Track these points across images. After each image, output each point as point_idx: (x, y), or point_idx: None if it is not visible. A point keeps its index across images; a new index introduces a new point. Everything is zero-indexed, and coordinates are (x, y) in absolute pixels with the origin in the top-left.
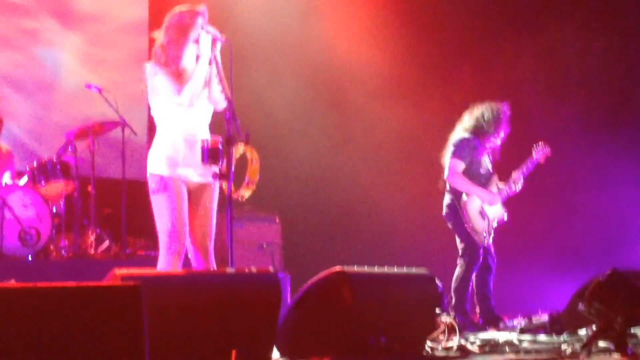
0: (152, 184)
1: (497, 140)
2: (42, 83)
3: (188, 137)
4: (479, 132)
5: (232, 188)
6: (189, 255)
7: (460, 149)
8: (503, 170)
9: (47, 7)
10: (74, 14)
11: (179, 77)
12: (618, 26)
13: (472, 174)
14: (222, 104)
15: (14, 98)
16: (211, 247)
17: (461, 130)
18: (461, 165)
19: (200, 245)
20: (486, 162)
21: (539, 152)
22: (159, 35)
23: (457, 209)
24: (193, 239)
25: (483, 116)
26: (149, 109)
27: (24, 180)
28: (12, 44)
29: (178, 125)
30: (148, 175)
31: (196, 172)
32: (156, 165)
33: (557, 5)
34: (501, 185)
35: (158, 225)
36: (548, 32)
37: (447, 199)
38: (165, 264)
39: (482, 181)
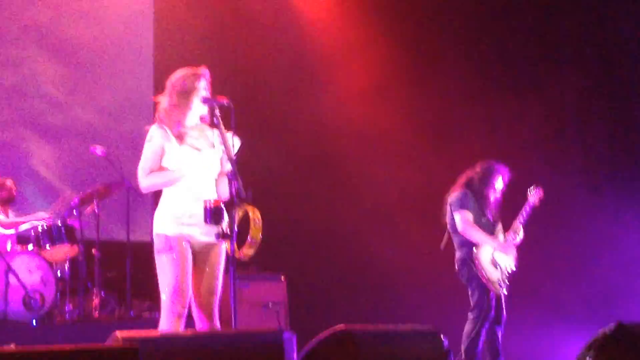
0: (157, 244)
1: (490, 196)
2: (47, 145)
3: (194, 197)
4: (471, 185)
5: (235, 248)
6: (193, 316)
7: (463, 202)
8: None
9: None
10: (78, 78)
11: (181, 137)
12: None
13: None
14: (227, 167)
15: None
16: (216, 307)
17: (456, 187)
18: (470, 215)
19: (205, 306)
20: (485, 215)
21: (534, 196)
22: (163, 99)
23: (469, 263)
24: (198, 300)
25: (475, 174)
26: None
27: (29, 247)
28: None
29: (184, 186)
30: (154, 235)
31: (202, 231)
32: (161, 224)
33: (557, 66)
34: (505, 235)
35: (161, 285)
36: (549, 91)
37: (458, 255)
38: (166, 325)
39: (486, 231)
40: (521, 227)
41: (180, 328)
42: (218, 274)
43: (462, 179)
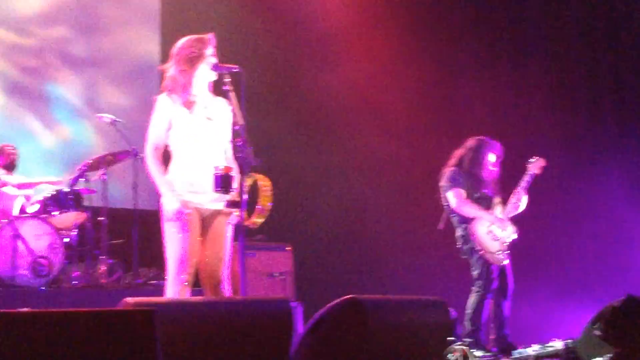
0: (165, 211)
1: (482, 173)
2: (55, 115)
3: (203, 165)
4: (461, 163)
5: (245, 216)
6: (200, 284)
7: (455, 180)
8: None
9: (56, 46)
10: (84, 52)
11: (190, 105)
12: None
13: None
14: (235, 132)
15: (27, 129)
16: (224, 273)
17: (447, 166)
18: (463, 192)
19: (212, 273)
20: (479, 190)
21: (534, 165)
22: (169, 67)
23: (467, 238)
24: (204, 267)
25: (464, 152)
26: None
27: (35, 207)
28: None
29: (192, 154)
30: (161, 202)
31: (210, 199)
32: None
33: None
34: (504, 207)
35: (168, 252)
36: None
37: (457, 231)
38: (173, 292)
39: (482, 206)
40: (524, 195)
41: (186, 295)
42: (225, 241)
43: (452, 159)
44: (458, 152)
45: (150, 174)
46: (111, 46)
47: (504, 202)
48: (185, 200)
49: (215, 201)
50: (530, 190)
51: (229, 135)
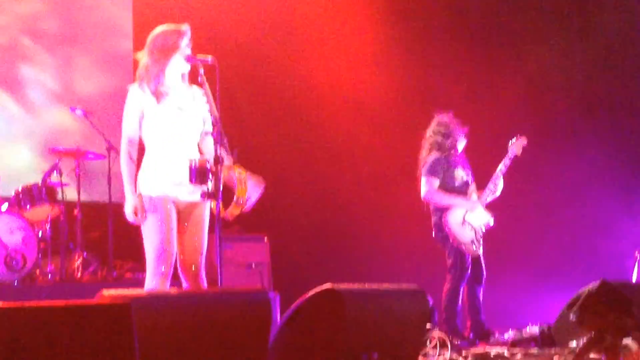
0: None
1: (458, 147)
2: (26, 106)
3: (177, 156)
4: (439, 146)
5: (221, 207)
6: (179, 276)
7: (430, 167)
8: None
9: (28, 28)
10: (57, 36)
11: (161, 96)
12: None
13: (447, 188)
14: (208, 125)
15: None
16: (202, 266)
17: (425, 150)
18: (435, 182)
19: (191, 265)
20: (460, 174)
21: (515, 145)
22: (143, 56)
23: (441, 226)
24: (183, 259)
25: (436, 132)
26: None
27: (4, 206)
28: None
29: (166, 145)
30: (137, 194)
31: (186, 191)
32: (145, 185)
33: (539, 28)
34: (480, 193)
35: (146, 246)
36: (532, 52)
37: (433, 219)
38: (152, 285)
39: (459, 193)
40: (501, 178)
41: (166, 288)
42: (203, 233)
43: (427, 142)
44: (429, 134)
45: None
46: (86, 27)
47: (481, 188)
48: (160, 192)
49: (191, 193)
50: (505, 176)
51: (201, 126)
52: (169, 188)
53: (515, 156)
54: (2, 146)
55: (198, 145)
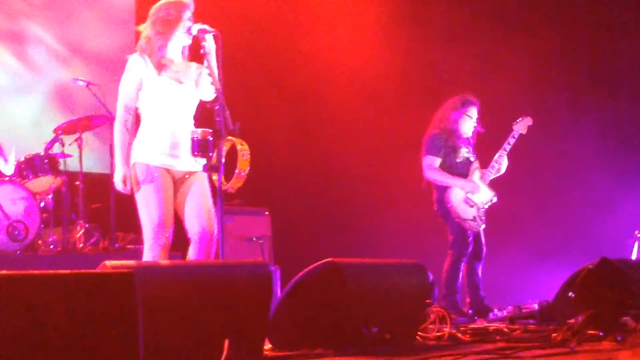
0: (138, 174)
1: (463, 127)
2: (28, 78)
3: (173, 127)
4: (442, 124)
5: (223, 180)
6: (191, 245)
7: (431, 145)
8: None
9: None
10: (59, 9)
11: (161, 68)
12: (602, 23)
13: (449, 165)
14: (211, 95)
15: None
16: (216, 231)
17: (428, 130)
18: (437, 160)
19: (204, 224)
20: (463, 152)
21: (520, 124)
22: (145, 28)
23: (443, 202)
24: (192, 222)
25: (445, 109)
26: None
27: (11, 163)
28: None
29: (163, 116)
30: (132, 164)
31: (181, 162)
32: (141, 154)
33: (545, 7)
34: (483, 171)
35: (142, 217)
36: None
37: (434, 194)
38: (151, 257)
39: (461, 170)
40: (505, 156)
41: (164, 259)
42: (207, 193)
43: (435, 118)
44: (440, 111)
45: (113, 137)
46: None
47: (484, 165)
48: (157, 162)
49: (187, 163)
50: (507, 154)
51: (198, 100)
52: (165, 158)
53: (520, 135)
54: (5, 104)
55: (194, 118)
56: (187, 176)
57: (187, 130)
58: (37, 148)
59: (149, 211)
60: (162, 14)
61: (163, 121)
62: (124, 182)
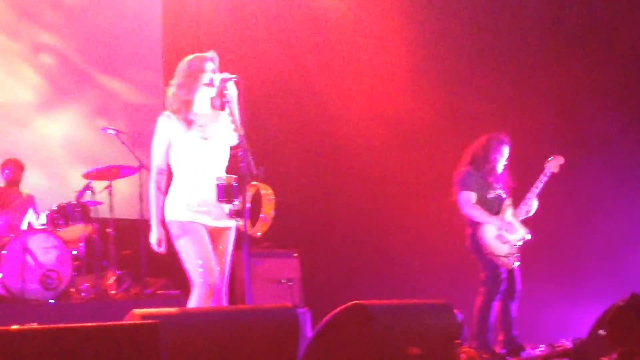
0: (173, 230)
1: (497, 168)
2: (60, 130)
3: (202, 183)
4: (474, 161)
5: (248, 225)
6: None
7: (466, 181)
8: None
9: (63, 60)
10: (92, 67)
11: (188, 124)
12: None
13: (481, 201)
14: (234, 141)
15: (33, 144)
16: (224, 288)
17: (460, 165)
18: (473, 196)
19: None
20: (494, 189)
21: (552, 163)
22: (171, 86)
23: (476, 238)
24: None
25: (477, 147)
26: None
27: (42, 218)
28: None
29: (191, 173)
30: (167, 222)
31: (211, 217)
32: (173, 211)
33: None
34: (515, 209)
35: (189, 267)
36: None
37: (468, 230)
38: (196, 302)
39: (493, 206)
40: (535, 197)
41: (209, 304)
42: (227, 258)
43: (466, 156)
44: (470, 150)
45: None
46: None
47: (516, 203)
48: (188, 218)
49: (216, 219)
50: (537, 195)
51: (227, 152)
52: (195, 215)
53: (552, 174)
54: (37, 163)
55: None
56: (216, 231)
57: (217, 177)
58: (68, 196)
59: (192, 261)
60: (185, 67)
61: (192, 178)
62: (159, 243)
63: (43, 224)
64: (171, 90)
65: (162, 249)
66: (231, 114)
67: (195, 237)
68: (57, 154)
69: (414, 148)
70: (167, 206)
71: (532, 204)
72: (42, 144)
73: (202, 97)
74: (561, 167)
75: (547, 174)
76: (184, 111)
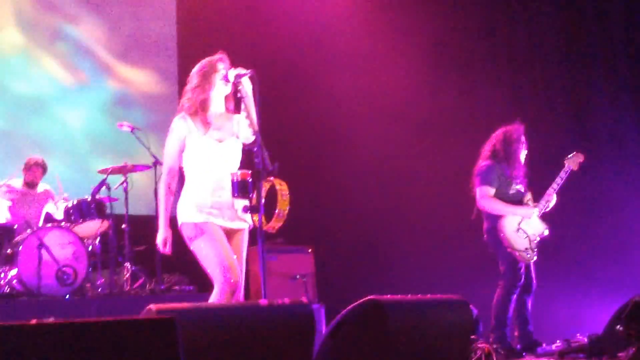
0: (187, 233)
1: (519, 159)
2: (76, 125)
3: (217, 186)
4: (496, 156)
5: (263, 220)
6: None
7: (485, 175)
8: (540, 189)
9: (80, 57)
10: (106, 63)
11: (203, 127)
12: None
13: (502, 197)
14: (250, 138)
15: (54, 134)
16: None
17: (481, 159)
18: (491, 190)
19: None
20: (514, 184)
21: (572, 160)
22: (186, 91)
23: (495, 232)
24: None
25: (496, 141)
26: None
27: (61, 207)
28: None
29: (205, 175)
30: (180, 224)
31: (224, 219)
32: (187, 214)
33: (582, 36)
34: (535, 204)
35: (209, 268)
36: (573, 58)
37: (485, 225)
38: (218, 297)
39: (515, 203)
40: (554, 194)
41: (231, 300)
42: (242, 259)
43: (486, 149)
44: (490, 144)
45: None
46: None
47: (536, 199)
48: (203, 219)
49: (230, 220)
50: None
51: (240, 155)
52: (209, 217)
53: (572, 170)
54: (54, 155)
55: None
56: (229, 232)
57: (232, 172)
58: (84, 192)
59: (209, 261)
60: (197, 69)
61: (206, 180)
62: (165, 244)
63: (59, 220)
64: (187, 96)
65: (167, 250)
66: (246, 109)
67: (213, 236)
68: (77, 145)
69: (427, 142)
70: (180, 209)
71: (552, 200)
72: (62, 134)
73: (218, 96)
74: (580, 164)
75: (567, 171)
76: (200, 112)
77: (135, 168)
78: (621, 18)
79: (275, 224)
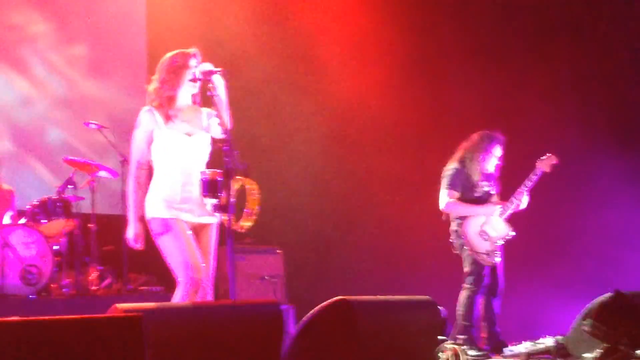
0: (154, 228)
1: (487, 165)
2: (40, 120)
3: (184, 179)
4: (464, 161)
5: (232, 220)
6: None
7: (451, 180)
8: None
9: (47, 43)
10: (75, 54)
11: (170, 120)
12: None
13: (467, 200)
14: (219, 135)
15: (11, 136)
16: (209, 284)
17: (451, 162)
18: (455, 194)
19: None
20: (483, 186)
21: (544, 162)
22: (154, 81)
23: (458, 234)
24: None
25: (469, 146)
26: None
27: (22, 221)
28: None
29: (173, 169)
30: (148, 219)
31: (194, 215)
32: (155, 209)
33: (555, 35)
34: (500, 202)
35: (173, 265)
36: (550, 59)
37: (451, 225)
38: (180, 297)
39: (479, 203)
40: (525, 193)
41: (194, 298)
42: (211, 254)
43: (457, 152)
44: (462, 147)
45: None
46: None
47: (503, 200)
48: (170, 215)
49: (198, 215)
50: (529, 191)
51: (209, 149)
52: (177, 212)
53: (544, 173)
54: (16, 157)
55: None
56: (198, 228)
57: (199, 179)
58: (49, 191)
59: (173, 258)
60: (168, 62)
61: (173, 174)
62: (136, 239)
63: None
64: (153, 86)
65: (139, 246)
66: (216, 108)
67: (178, 233)
68: (41, 150)
69: (399, 145)
70: (147, 203)
71: (523, 199)
72: (26, 140)
73: (186, 93)
74: (552, 166)
75: (538, 173)
76: (166, 106)
77: (100, 169)
78: (607, 12)
79: (244, 223)
